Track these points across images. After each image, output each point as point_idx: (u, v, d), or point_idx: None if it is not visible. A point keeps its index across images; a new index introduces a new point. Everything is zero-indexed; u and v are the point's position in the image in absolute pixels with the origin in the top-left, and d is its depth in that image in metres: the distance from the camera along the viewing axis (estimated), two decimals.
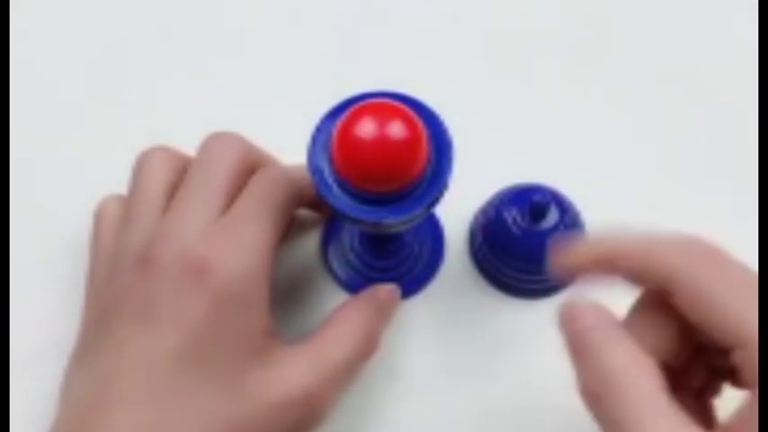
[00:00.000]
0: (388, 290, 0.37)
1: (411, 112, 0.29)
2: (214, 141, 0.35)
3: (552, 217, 0.37)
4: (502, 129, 0.43)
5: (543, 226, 0.37)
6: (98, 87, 0.44)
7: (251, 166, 0.35)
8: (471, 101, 0.43)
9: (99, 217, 0.37)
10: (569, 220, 0.38)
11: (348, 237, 0.40)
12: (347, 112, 0.30)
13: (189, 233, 0.32)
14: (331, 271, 0.40)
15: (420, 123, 0.30)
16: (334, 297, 0.39)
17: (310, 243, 0.41)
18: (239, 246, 0.32)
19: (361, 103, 0.30)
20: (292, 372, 0.32)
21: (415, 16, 0.46)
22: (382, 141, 0.28)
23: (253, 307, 0.32)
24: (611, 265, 0.29)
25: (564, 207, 0.38)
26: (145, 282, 0.32)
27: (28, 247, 0.40)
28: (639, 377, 0.26)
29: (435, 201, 0.31)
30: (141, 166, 0.36)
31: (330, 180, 0.30)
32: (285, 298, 0.39)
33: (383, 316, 0.36)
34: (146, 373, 0.30)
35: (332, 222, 0.41)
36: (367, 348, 0.35)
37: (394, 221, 0.30)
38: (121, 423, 0.30)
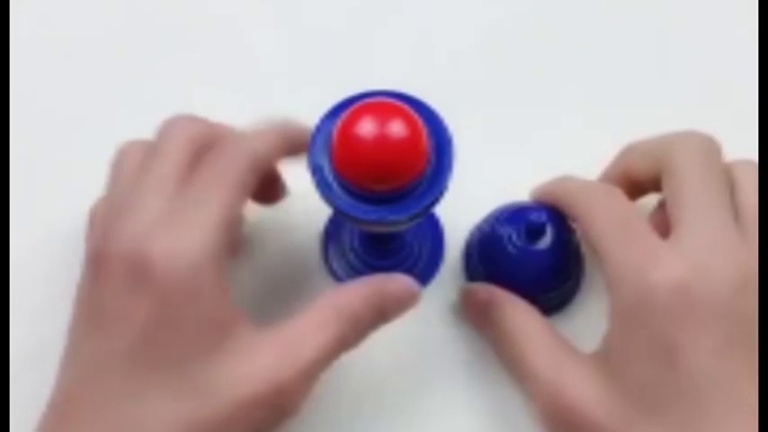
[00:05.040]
0: (401, 285, 0.33)
1: (411, 111, 0.30)
2: (164, 128, 0.34)
3: (548, 237, 0.37)
4: (507, 141, 0.43)
5: (539, 246, 0.37)
6: (98, 87, 0.44)
7: (208, 145, 0.33)
8: (475, 106, 0.43)
9: (89, 218, 0.36)
10: (565, 240, 0.37)
11: (348, 237, 0.40)
12: (347, 111, 0.30)
13: (137, 227, 0.30)
14: (331, 271, 0.40)
15: (420, 122, 0.30)
16: None
17: (310, 243, 0.41)
18: (183, 235, 0.30)
19: (361, 102, 0.30)
20: (260, 365, 0.30)
21: (416, 15, 0.46)
22: (382, 140, 0.29)
23: (205, 297, 0.30)
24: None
25: (561, 228, 0.37)
26: (95, 285, 0.31)
27: (28, 247, 0.40)
28: (526, 325, 0.35)
29: (436, 200, 0.31)
30: (115, 163, 0.35)
31: (330, 179, 0.30)
32: (285, 298, 0.39)
33: (384, 311, 0.33)
34: (100, 379, 0.30)
35: (332, 222, 0.41)
36: (348, 340, 0.32)
37: (394, 220, 0.30)
38: None
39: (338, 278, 0.40)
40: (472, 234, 0.40)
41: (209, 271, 0.30)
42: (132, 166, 0.33)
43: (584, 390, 0.32)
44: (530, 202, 0.39)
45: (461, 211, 0.40)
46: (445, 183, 0.31)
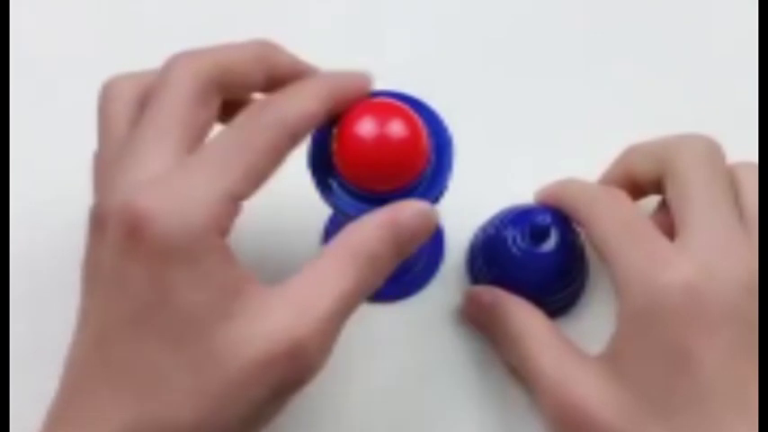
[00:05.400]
0: (414, 211, 0.30)
1: (411, 111, 0.30)
2: (168, 65, 0.30)
3: (553, 239, 0.37)
4: (507, 142, 0.43)
5: (544, 248, 0.36)
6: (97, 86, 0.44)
7: (223, 83, 0.30)
8: (475, 106, 0.43)
9: (93, 176, 0.33)
10: (570, 243, 0.37)
11: None
12: (347, 112, 0.30)
13: (135, 182, 0.28)
14: None
15: (420, 122, 0.30)
16: None
17: (310, 243, 0.41)
18: (186, 196, 0.27)
19: (362, 103, 0.30)
20: (271, 322, 0.27)
21: (416, 15, 0.46)
22: (382, 140, 0.29)
23: (206, 259, 0.27)
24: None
25: (565, 230, 0.37)
26: (93, 245, 0.29)
27: (28, 246, 0.40)
28: (533, 326, 0.35)
29: (436, 200, 0.31)
30: (104, 103, 0.32)
31: (330, 179, 0.31)
32: None
33: (402, 244, 0.30)
34: (106, 350, 0.28)
35: (332, 222, 0.41)
36: (369, 284, 0.29)
37: None
38: (81, 406, 0.28)
39: None
40: (476, 236, 0.40)
41: (206, 236, 0.27)
42: (126, 109, 0.31)
43: (591, 390, 0.32)
44: (534, 205, 0.39)
45: (463, 213, 0.40)
46: (445, 183, 0.31)
